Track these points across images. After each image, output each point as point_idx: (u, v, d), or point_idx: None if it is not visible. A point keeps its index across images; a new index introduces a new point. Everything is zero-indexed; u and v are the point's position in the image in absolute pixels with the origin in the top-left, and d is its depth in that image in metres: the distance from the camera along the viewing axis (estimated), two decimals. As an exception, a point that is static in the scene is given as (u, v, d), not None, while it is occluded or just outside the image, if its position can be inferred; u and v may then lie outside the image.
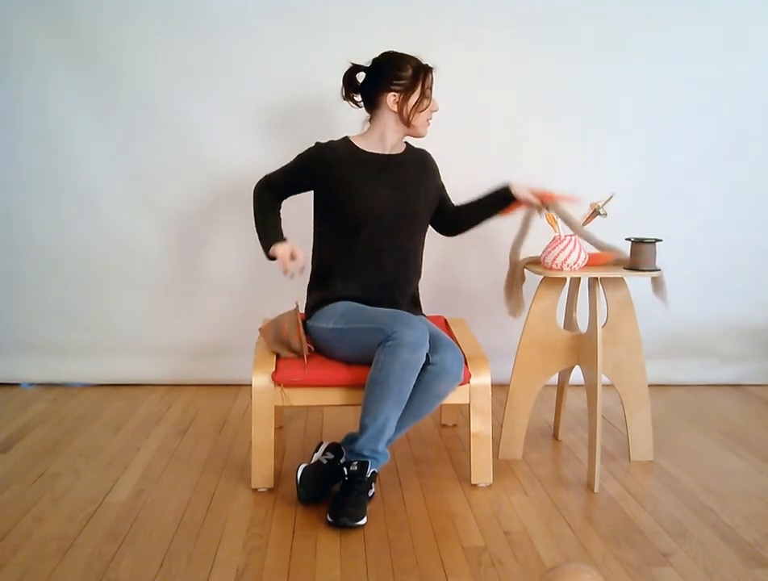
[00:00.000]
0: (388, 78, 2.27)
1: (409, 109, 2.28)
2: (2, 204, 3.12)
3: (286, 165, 2.38)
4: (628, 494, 2.22)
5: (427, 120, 2.34)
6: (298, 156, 2.36)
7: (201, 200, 3.14)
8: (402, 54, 2.31)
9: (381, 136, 2.35)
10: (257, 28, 2.99)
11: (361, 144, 2.35)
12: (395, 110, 2.29)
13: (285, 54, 3.02)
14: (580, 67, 3.08)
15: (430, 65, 2.32)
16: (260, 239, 2.33)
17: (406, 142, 2.44)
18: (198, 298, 3.22)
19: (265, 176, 2.42)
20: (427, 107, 2.31)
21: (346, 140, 2.36)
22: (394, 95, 2.27)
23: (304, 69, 3.02)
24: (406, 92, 2.27)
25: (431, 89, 2.32)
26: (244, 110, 3.08)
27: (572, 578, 1.46)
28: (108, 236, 3.15)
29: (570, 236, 2.27)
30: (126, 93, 3.03)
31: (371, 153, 2.34)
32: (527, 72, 3.08)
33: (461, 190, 3.11)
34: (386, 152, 2.36)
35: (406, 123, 2.30)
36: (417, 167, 2.39)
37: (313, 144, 2.35)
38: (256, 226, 2.36)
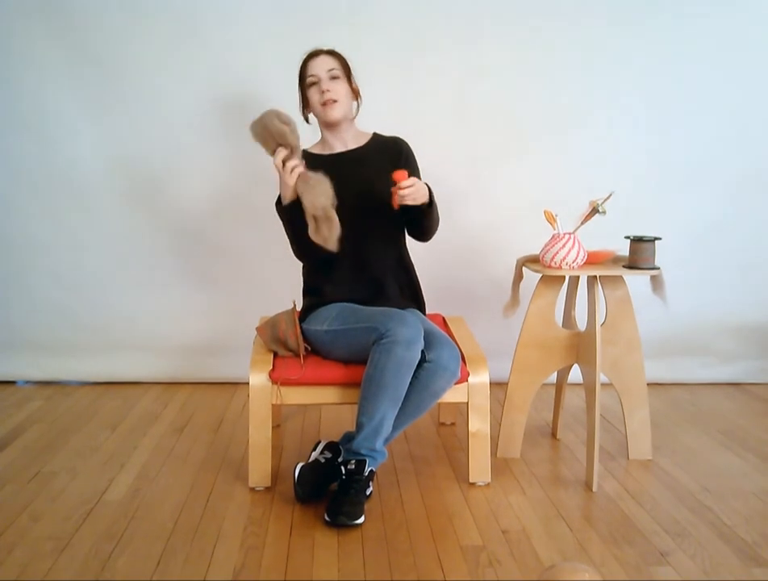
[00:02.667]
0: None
1: (303, 110, 2.40)
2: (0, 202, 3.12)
3: None
4: (627, 493, 2.22)
5: (322, 104, 2.29)
6: None
7: (199, 199, 3.13)
8: None
9: (323, 139, 2.40)
10: (257, 28, 2.98)
11: (317, 150, 2.40)
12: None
13: (285, 53, 3.00)
14: (579, 65, 3.07)
15: (308, 53, 2.32)
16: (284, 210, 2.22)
17: (375, 133, 2.43)
18: (195, 296, 3.21)
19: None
20: (311, 98, 2.32)
21: (303, 151, 2.39)
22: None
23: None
24: (300, 96, 2.38)
25: (313, 75, 2.29)
26: (244, 110, 3.06)
27: (570, 577, 1.45)
28: (106, 234, 3.14)
29: (569, 234, 2.26)
30: (125, 92, 3.02)
31: (327, 155, 2.37)
32: (525, 69, 3.07)
33: (459, 188, 3.12)
34: (343, 150, 2.37)
35: (318, 120, 2.36)
36: (382, 156, 2.36)
37: None
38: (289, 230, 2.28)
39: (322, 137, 2.41)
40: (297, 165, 2.11)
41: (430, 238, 2.40)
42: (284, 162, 2.11)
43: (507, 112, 3.10)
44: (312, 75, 2.29)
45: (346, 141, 2.38)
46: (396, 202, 2.13)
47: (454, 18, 3.01)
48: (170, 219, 3.14)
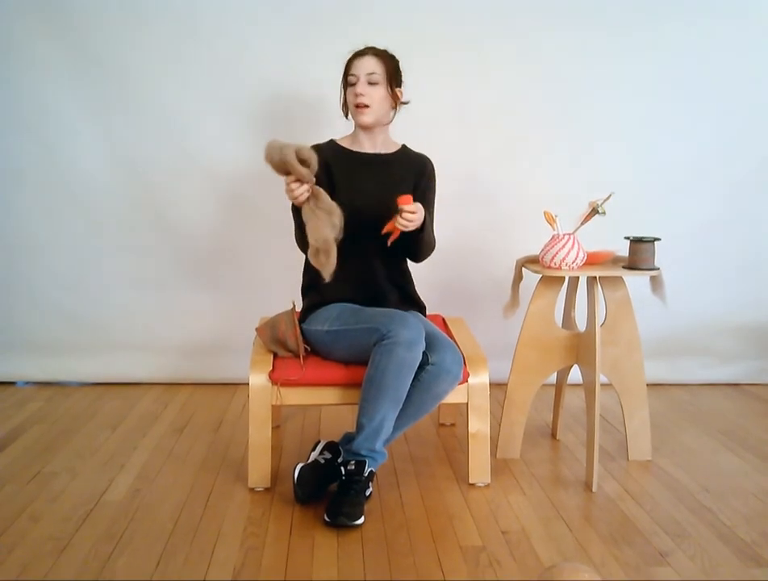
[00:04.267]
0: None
1: (344, 105, 2.38)
2: (0, 202, 3.12)
3: None
4: (627, 493, 2.22)
5: (355, 106, 2.29)
6: None
7: (198, 199, 3.12)
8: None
9: (354, 135, 2.39)
10: (257, 28, 2.98)
11: (345, 143, 2.39)
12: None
13: (286, 53, 3.01)
14: (580, 66, 3.07)
15: (356, 51, 2.31)
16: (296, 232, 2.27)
17: (404, 145, 2.43)
18: (195, 297, 3.21)
19: None
20: (348, 97, 2.32)
21: (331, 141, 2.40)
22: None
23: (304, 69, 3.01)
24: (342, 92, 2.36)
25: (353, 75, 2.29)
26: (244, 110, 3.07)
27: (570, 577, 1.45)
28: (106, 234, 3.14)
29: (569, 234, 2.26)
30: (125, 92, 3.02)
31: (355, 152, 2.36)
32: (525, 70, 3.07)
33: (459, 188, 3.12)
34: (372, 152, 2.36)
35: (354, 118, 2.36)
36: (406, 169, 2.36)
37: None
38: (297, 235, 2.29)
39: (354, 132, 2.40)
40: (304, 192, 2.06)
41: (422, 260, 2.40)
42: (293, 188, 2.06)
43: (508, 113, 3.10)
44: (352, 75, 2.29)
45: (376, 144, 2.38)
46: (391, 226, 2.12)
47: (455, 19, 3.01)
48: (170, 220, 3.14)
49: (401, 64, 2.37)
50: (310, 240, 2.06)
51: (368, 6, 2.99)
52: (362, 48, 2.32)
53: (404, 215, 2.08)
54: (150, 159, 3.08)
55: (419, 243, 2.28)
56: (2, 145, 3.06)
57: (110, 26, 2.96)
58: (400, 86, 2.37)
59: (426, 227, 2.23)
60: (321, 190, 2.09)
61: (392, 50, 3.01)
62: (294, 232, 2.29)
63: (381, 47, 2.33)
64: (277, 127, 3.07)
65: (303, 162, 2.00)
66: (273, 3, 2.97)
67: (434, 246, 2.39)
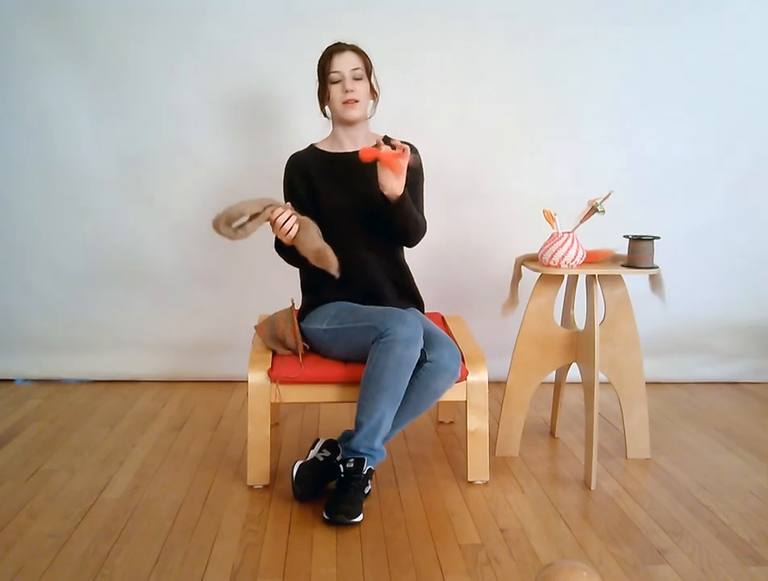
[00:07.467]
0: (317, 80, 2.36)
1: (321, 103, 2.37)
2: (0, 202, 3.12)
3: (284, 196, 2.37)
4: (625, 491, 2.22)
5: (344, 102, 2.28)
6: (284, 179, 2.38)
7: (197, 197, 3.12)
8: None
9: (334, 135, 2.38)
10: (259, 27, 2.98)
11: (325, 146, 2.39)
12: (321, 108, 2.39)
13: (286, 53, 3.01)
14: (578, 65, 3.07)
15: (332, 47, 2.30)
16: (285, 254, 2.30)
17: (386, 136, 2.42)
18: (194, 294, 3.21)
19: None
20: (333, 94, 2.29)
21: (311, 146, 2.40)
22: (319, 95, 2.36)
23: (300, 67, 2.99)
24: (319, 89, 2.34)
25: (337, 72, 2.27)
26: (244, 109, 3.07)
27: (568, 575, 1.45)
28: (104, 232, 3.14)
29: (568, 233, 2.26)
30: (125, 92, 3.01)
31: (335, 153, 2.36)
32: (525, 70, 3.07)
33: (459, 187, 3.12)
34: (353, 150, 2.34)
35: (333, 115, 2.34)
36: None
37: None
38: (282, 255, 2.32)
39: (333, 133, 2.39)
40: (290, 223, 2.09)
41: (412, 240, 2.34)
42: (275, 223, 2.10)
43: (507, 112, 3.10)
44: (336, 72, 2.27)
45: (357, 141, 2.37)
46: (381, 157, 2.07)
47: (456, 20, 3.01)
48: (170, 218, 3.14)
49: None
50: (308, 253, 2.09)
51: (369, 6, 2.98)
52: (334, 44, 2.31)
53: (396, 150, 2.06)
54: (150, 158, 3.08)
55: (399, 215, 2.20)
56: (2, 145, 3.06)
57: (111, 26, 2.95)
58: (374, 80, 2.38)
59: (404, 205, 2.18)
60: (299, 215, 2.12)
61: (392, 49, 3.02)
62: (280, 258, 2.32)
63: (349, 42, 2.33)
64: (277, 125, 3.07)
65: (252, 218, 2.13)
66: (272, 3, 2.97)
67: (424, 228, 2.33)
